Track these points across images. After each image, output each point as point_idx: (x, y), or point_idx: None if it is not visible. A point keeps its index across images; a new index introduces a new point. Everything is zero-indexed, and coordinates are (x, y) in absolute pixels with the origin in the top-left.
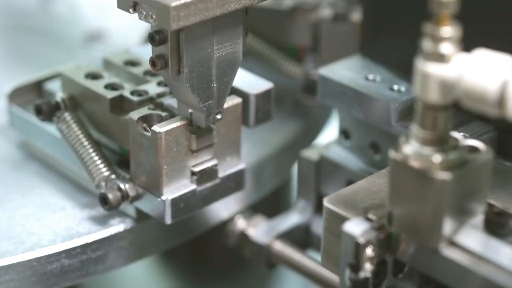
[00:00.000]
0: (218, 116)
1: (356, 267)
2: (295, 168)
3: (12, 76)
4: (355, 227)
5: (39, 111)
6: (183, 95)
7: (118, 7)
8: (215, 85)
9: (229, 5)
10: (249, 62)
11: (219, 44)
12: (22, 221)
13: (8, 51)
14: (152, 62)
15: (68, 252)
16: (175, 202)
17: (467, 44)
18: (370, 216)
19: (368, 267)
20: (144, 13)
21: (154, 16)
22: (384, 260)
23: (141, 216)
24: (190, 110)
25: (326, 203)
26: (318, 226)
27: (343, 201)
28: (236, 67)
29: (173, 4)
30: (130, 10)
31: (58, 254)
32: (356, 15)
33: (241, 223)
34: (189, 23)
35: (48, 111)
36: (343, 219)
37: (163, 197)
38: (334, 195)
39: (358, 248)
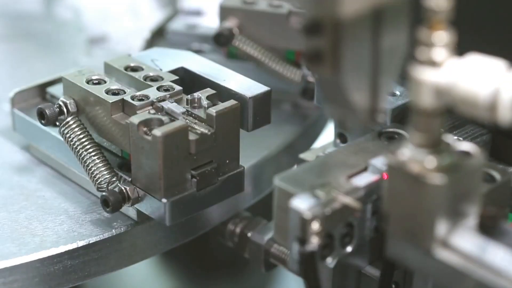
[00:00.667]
0: (380, 117)
1: (303, 241)
2: None
3: (15, 81)
4: (302, 203)
5: (42, 116)
6: (339, 96)
7: None
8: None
9: None
10: (247, 66)
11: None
12: (25, 223)
13: (12, 56)
14: (307, 57)
15: (71, 254)
16: (175, 204)
17: (459, 48)
18: (317, 192)
19: (314, 240)
20: None
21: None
22: (331, 234)
23: (142, 218)
24: (343, 112)
25: (276, 180)
26: None
27: (292, 179)
28: (399, 64)
29: None
30: None
31: (61, 255)
32: None
33: (240, 225)
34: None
35: (51, 115)
36: (292, 196)
37: (163, 200)
38: (284, 173)
39: (305, 223)
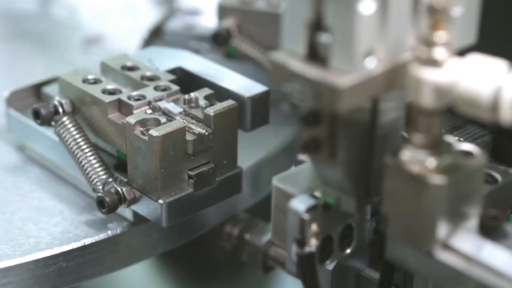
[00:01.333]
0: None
1: (301, 242)
2: None
3: (11, 80)
4: (300, 204)
5: (37, 115)
6: (334, 180)
7: (271, 82)
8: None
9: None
10: (245, 66)
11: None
12: (20, 224)
13: (7, 56)
14: (304, 146)
15: (66, 255)
16: (171, 205)
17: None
18: (316, 193)
19: (313, 242)
20: (299, 89)
21: (312, 95)
22: (330, 236)
23: (138, 219)
24: (338, 195)
25: (274, 181)
26: None
27: (291, 180)
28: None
29: (344, 84)
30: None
31: (56, 257)
32: None
33: (238, 226)
34: (359, 103)
35: (46, 115)
36: (290, 197)
37: (160, 201)
38: (282, 174)
39: (303, 224)
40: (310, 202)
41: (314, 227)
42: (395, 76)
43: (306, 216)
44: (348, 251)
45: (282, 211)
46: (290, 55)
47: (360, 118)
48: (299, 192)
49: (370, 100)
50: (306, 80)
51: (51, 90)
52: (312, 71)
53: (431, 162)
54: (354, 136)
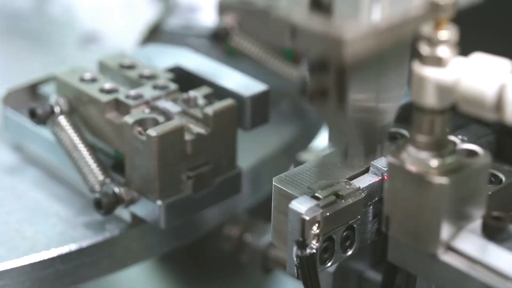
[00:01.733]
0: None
1: (302, 244)
2: None
3: (7, 80)
4: (301, 205)
5: (33, 115)
6: (342, 128)
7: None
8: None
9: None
10: (245, 64)
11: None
12: (16, 226)
13: (3, 54)
14: (311, 95)
15: (63, 257)
16: (170, 206)
17: (464, 48)
18: (317, 194)
19: (314, 244)
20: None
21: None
22: (332, 237)
23: (136, 220)
24: (345, 144)
25: (274, 182)
26: None
27: (291, 180)
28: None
29: (349, 35)
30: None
31: (53, 259)
32: None
33: (237, 228)
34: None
35: (42, 114)
36: (291, 198)
37: (158, 202)
38: (282, 175)
39: (304, 225)
40: (311, 203)
41: (315, 228)
42: (401, 29)
43: (307, 217)
44: (350, 253)
45: (283, 212)
46: (293, 7)
47: (368, 68)
48: (299, 193)
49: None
50: (310, 32)
51: (48, 89)
52: (316, 22)
53: (434, 162)
54: (362, 83)
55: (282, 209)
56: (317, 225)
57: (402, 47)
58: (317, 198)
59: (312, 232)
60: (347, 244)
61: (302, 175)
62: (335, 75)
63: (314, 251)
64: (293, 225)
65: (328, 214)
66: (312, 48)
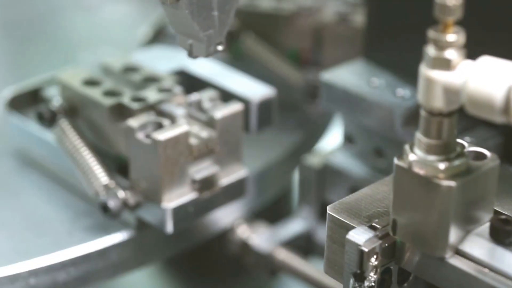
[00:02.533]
0: (220, 48)
1: (360, 276)
2: (296, 175)
3: (10, 81)
4: (359, 236)
5: (41, 118)
6: (183, 24)
7: None
8: (216, 13)
9: None
10: (251, 67)
11: None
12: (18, 230)
13: (6, 55)
14: None
15: (66, 262)
16: (176, 210)
17: (472, 51)
18: (374, 224)
19: (372, 276)
20: None
21: None
22: (389, 269)
23: (141, 224)
24: (190, 41)
25: (329, 211)
26: (321, 233)
27: (346, 209)
28: None
29: None
30: None
31: (55, 264)
32: (359, 19)
33: (242, 231)
34: None
35: (44, 117)
36: (347, 228)
37: (165, 206)
38: (337, 203)
39: (362, 257)
40: (369, 233)
41: (373, 260)
42: None
43: (366, 249)
44: (405, 285)
45: (338, 242)
46: None
47: None
48: (356, 223)
49: None
50: None
51: (51, 91)
52: None
53: (442, 165)
54: None
55: (337, 239)
56: (375, 256)
57: None
58: (374, 228)
59: (371, 264)
60: (404, 275)
61: (357, 203)
62: None
63: (372, 284)
64: (351, 257)
65: (386, 245)
66: None
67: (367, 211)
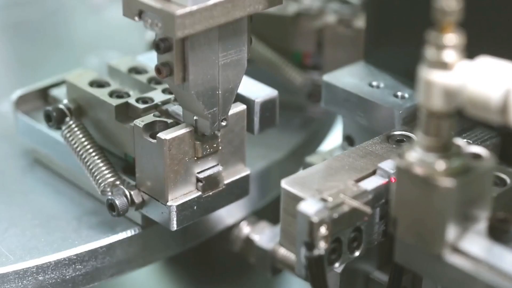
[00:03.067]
0: (223, 123)
1: (310, 245)
2: None
3: (19, 82)
4: (309, 207)
5: (45, 118)
6: (188, 102)
7: (124, 15)
8: (219, 92)
9: (234, 13)
10: (254, 68)
11: (224, 51)
12: (26, 228)
13: (15, 57)
14: (158, 70)
15: (73, 259)
16: (180, 208)
17: (470, 51)
18: (325, 196)
19: (322, 245)
20: (150, 21)
21: (159, 24)
22: (339, 238)
23: (146, 222)
24: (195, 118)
25: (283, 184)
26: None
27: (299, 183)
28: (241, 74)
29: (178, 12)
30: (136, 18)
31: (63, 260)
32: (361, 21)
33: (246, 229)
34: (194, 31)
35: (53, 118)
36: (299, 200)
37: (169, 204)
38: (291, 177)
39: (312, 227)
40: (319, 205)
41: (323, 230)
42: (231, 8)
43: (315, 219)
44: (357, 254)
45: (291, 214)
46: None
47: (207, 50)
48: (308, 195)
49: (209, 28)
50: (152, 9)
51: (59, 92)
52: (157, 4)
53: (440, 164)
54: (202, 61)
55: (290, 211)
56: (325, 226)
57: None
58: (325, 200)
59: (320, 233)
60: (355, 245)
61: (311, 177)
62: (177, 51)
63: (323, 252)
64: (302, 227)
65: (336, 216)
66: (156, 26)
67: (320, 185)
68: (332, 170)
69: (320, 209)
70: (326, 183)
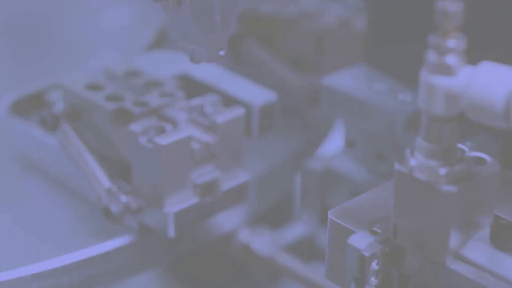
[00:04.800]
0: (222, 52)
1: (361, 280)
2: (298, 179)
3: (13, 85)
4: (360, 240)
5: (39, 122)
6: (184, 29)
7: None
8: (218, 18)
9: None
10: (253, 71)
11: None
12: (20, 234)
13: (10, 59)
14: None
15: (69, 266)
16: (178, 215)
17: (473, 56)
18: (375, 229)
19: (373, 280)
20: None
21: None
22: (390, 274)
23: (143, 229)
24: (192, 46)
25: (330, 216)
26: (322, 238)
27: (347, 214)
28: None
29: None
30: None
31: (58, 268)
32: (361, 23)
33: (244, 235)
34: None
35: (48, 122)
36: (348, 232)
37: (166, 210)
38: (338, 208)
39: (363, 262)
40: (370, 238)
41: (374, 265)
42: None
43: (367, 254)
44: None
45: (339, 247)
46: None
47: None
48: (357, 228)
49: None
50: None
51: (54, 96)
52: None
53: (443, 170)
54: None
55: (338, 243)
56: (376, 261)
57: None
58: (375, 233)
59: (371, 268)
60: (405, 280)
61: (359, 208)
62: None
63: None
64: (352, 261)
65: (387, 250)
66: None
67: (368, 216)
68: (380, 200)
69: (371, 243)
70: (375, 214)
